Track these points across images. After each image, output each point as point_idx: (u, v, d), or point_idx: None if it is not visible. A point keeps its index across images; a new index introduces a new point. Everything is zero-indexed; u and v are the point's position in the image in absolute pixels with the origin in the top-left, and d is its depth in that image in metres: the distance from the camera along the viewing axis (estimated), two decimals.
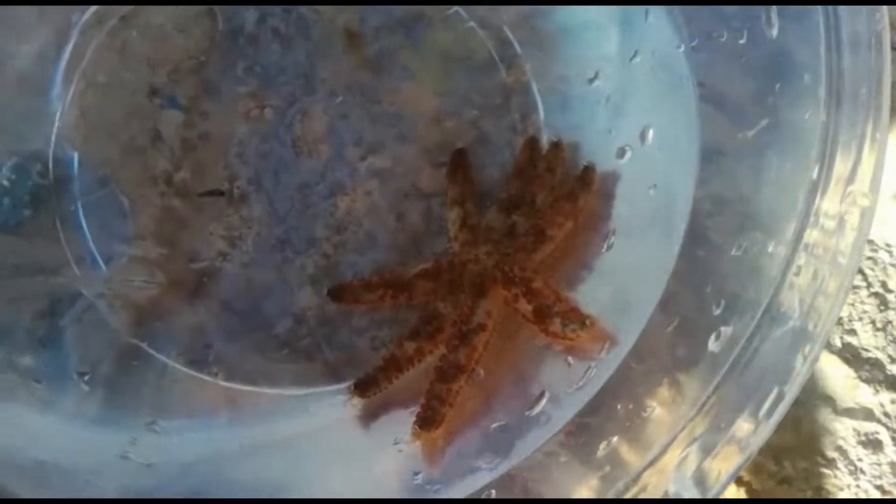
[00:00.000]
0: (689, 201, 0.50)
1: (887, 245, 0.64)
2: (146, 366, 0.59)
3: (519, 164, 0.60)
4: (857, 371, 0.62)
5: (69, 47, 0.61)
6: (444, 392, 0.51)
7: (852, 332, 0.63)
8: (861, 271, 0.64)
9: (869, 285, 0.64)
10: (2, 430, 0.52)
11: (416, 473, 0.50)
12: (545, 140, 0.61)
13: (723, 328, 0.42)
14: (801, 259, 0.40)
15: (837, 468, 0.60)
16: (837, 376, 0.62)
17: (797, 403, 0.60)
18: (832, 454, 0.61)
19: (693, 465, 0.38)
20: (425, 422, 0.50)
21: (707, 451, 0.38)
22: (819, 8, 0.44)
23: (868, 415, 0.61)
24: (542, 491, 0.46)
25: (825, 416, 0.61)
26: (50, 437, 0.54)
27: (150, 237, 0.61)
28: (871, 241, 0.64)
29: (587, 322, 0.50)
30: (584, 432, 0.46)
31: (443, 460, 0.50)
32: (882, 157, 0.41)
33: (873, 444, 0.61)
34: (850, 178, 0.41)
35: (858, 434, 0.61)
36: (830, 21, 0.44)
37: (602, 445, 0.43)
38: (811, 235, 0.41)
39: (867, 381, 0.62)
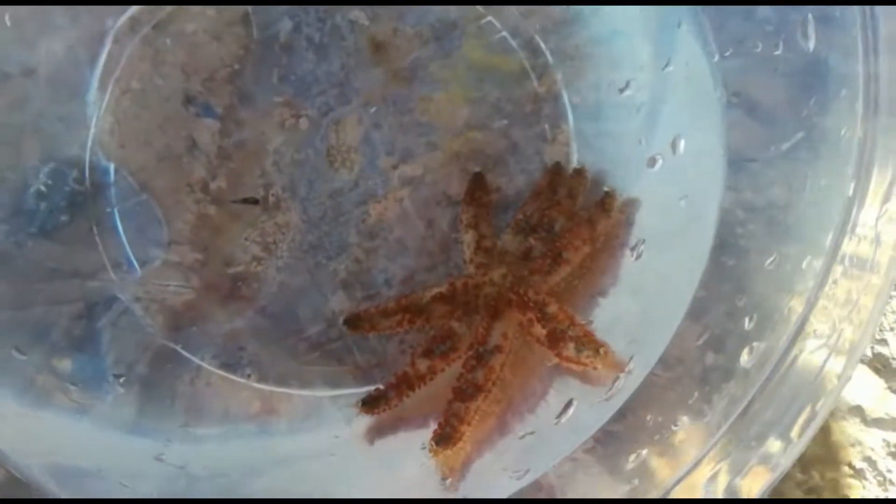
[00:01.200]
0: (717, 210, 0.50)
1: None
2: (180, 368, 0.60)
3: (539, 188, 0.60)
4: (887, 381, 0.62)
5: (104, 54, 0.62)
6: (462, 411, 0.51)
7: (883, 342, 0.63)
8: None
9: None
10: (40, 434, 0.53)
11: (445, 479, 0.50)
12: (572, 164, 0.61)
13: (755, 343, 0.42)
14: (835, 275, 0.41)
15: (866, 479, 0.60)
16: (867, 386, 0.62)
17: None
18: (860, 465, 0.61)
19: (724, 484, 0.38)
20: (443, 439, 0.51)
21: (737, 469, 0.38)
22: (857, 22, 0.44)
23: None
24: (567, 491, 0.46)
25: (854, 426, 0.61)
26: (85, 439, 0.55)
27: (185, 243, 0.62)
28: None
29: (601, 350, 0.50)
30: (612, 442, 0.46)
31: (460, 477, 0.50)
32: None
33: None
34: (887, 196, 0.40)
35: (888, 445, 0.61)
36: (868, 36, 0.44)
37: (632, 458, 0.43)
38: (846, 252, 0.41)
39: None
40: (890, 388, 0.62)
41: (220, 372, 0.60)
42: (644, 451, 0.43)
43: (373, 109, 0.63)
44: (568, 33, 0.63)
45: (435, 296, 0.57)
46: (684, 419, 0.42)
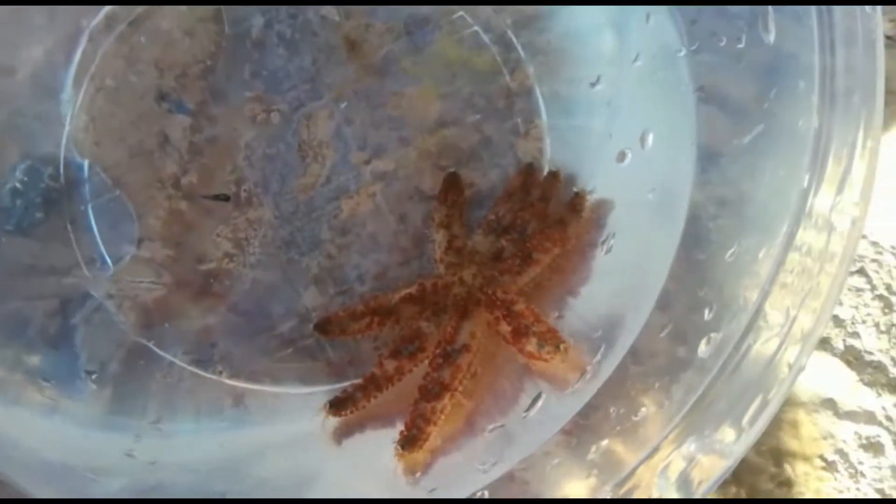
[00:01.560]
0: (686, 204, 0.50)
1: (892, 248, 0.64)
2: (153, 365, 0.60)
3: (511, 188, 0.60)
4: (859, 374, 0.62)
5: (79, 52, 0.62)
6: (428, 411, 0.51)
7: (855, 334, 0.63)
8: (865, 274, 0.64)
9: (873, 288, 0.64)
10: (11, 429, 0.53)
11: (410, 478, 0.51)
12: (545, 158, 0.61)
13: (713, 333, 0.42)
14: (790, 265, 0.41)
15: (838, 471, 0.60)
16: (840, 379, 0.62)
17: (798, 406, 0.60)
18: (833, 457, 0.61)
19: (676, 472, 0.38)
20: (409, 441, 0.51)
21: (690, 458, 0.38)
22: (813, 11, 0.44)
23: (870, 418, 0.61)
24: (538, 488, 0.46)
25: (826, 419, 0.61)
26: (57, 435, 0.55)
27: (157, 239, 0.62)
28: (875, 244, 0.64)
29: (562, 346, 0.50)
30: (579, 433, 0.47)
31: (423, 478, 0.50)
32: (873, 165, 0.41)
33: (875, 448, 0.61)
34: (841, 187, 0.41)
35: (860, 437, 0.61)
36: (825, 26, 0.44)
37: (593, 448, 0.43)
38: (801, 242, 0.41)
39: (870, 384, 0.62)
40: (862, 380, 0.62)
41: (192, 368, 0.60)
42: (605, 442, 0.43)
43: (344, 104, 0.63)
44: (540, 28, 0.63)
45: (404, 297, 0.57)
46: (644, 410, 0.42)
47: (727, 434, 0.38)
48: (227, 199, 0.62)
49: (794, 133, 0.44)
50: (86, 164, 0.62)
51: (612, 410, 0.46)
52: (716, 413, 0.39)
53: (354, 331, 0.57)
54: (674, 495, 0.37)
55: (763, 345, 0.40)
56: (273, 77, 0.63)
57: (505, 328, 0.53)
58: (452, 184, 0.61)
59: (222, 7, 0.63)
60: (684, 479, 0.38)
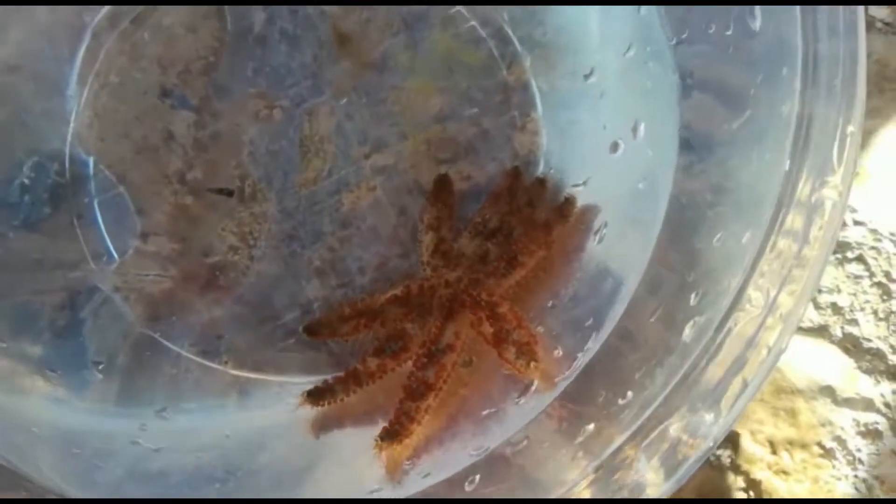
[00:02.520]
0: (669, 191, 0.51)
1: (891, 234, 0.64)
2: (159, 356, 0.61)
3: (499, 191, 0.61)
4: (857, 361, 0.62)
5: (83, 49, 0.63)
6: (412, 409, 0.52)
7: (854, 321, 0.63)
8: (864, 261, 0.64)
9: (872, 275, 0.64)
10: (18, 418, 0.55)
11: (408, 459, 0.52)
12: (541, 151, 0.62)
13: (697, 317, 0.43)
14: (772, 248, 0.41)
15: (836, 458, 0.61)
16: (837, 367, 0.62)
17: (796, 393, 0.61)
18: (830, 444, 0.61)
19: (657, 452, 0.39)
20: (390, 435, 0.52)
21: (670, 438, 0.39)
22: None
23: (868, 405, 0.62)
24: (529, 471, 0.47)
25: (824, 406, 0.62)
26: (63, 424, 0.56)
27: (163, 233, 0.63)
28: (874, 231, 0.65)
29: (531, 364, 0.51)
30: (569, 418, 0.47)
31: (403, 474, 0.51)
32: (855, 150, 0.41)
33: (872, 434, 0.61)
34: (822, 171, 0.41)
35: (858, 424, 0.61)
36: (808, 11, 0.44)
37: (581, 432, 0.44)
38: (784, 226, 0.41)
39: (868, 371, 0.62)
40: (860, 367, 0.62)
41: (198, 359, 0.61)
42: (591, 426, 0.44)
43: (344, 100, 0.64)
44: (536, 22, 0.64)
45: (390, 298, 0.57)
46: (630, 393, 0.43)
47: (707, 415, 0.39)
48: (230, 194, 0.63)
49: (779, 119, 0.44)
50: (91, 160, 0.63)
51: (600, 395, 0.46)
52: (696, 395, 0.40)
53: (342, 333, 0.58)
54: (653, 475, 0.38)
55: (744, 327, 0.40)
56: (275, 73, 0.64)
57: (487, 330, 0.53)
58: (443, 186, 0.61)
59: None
60: (664, 459, 0.39)
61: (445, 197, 0.61)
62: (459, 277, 0.56)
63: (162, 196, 0.63)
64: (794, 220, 0.41)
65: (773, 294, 0.40)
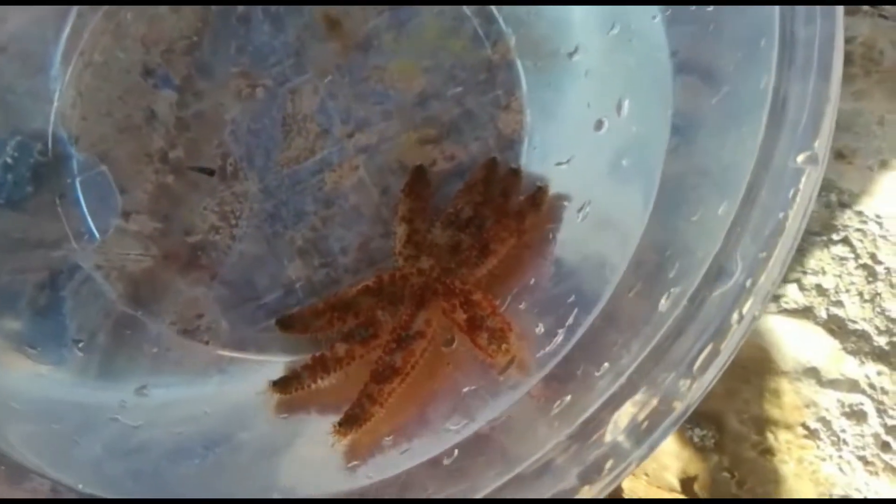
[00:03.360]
0: (660, 168, 0.50)
1: (877, 216, 0.64)
2: (140, 334, 0.61)
3: (472, 181, 0.60)
4: (842, 343, 0.62)
5: (67, 29, 0.63)
6: (376, 392, 0.52)
7: (839, 303, 0.63)
8: (849, 243, 0.64)
9: (857, 257, 0.63)
10: None
11: (387, 436, 0.51)
12: (525, 129, 0.62)
13: (673, 289, 0.43)
14: (747, 221, 0.41)
15: (820, 439, 0.60)
16: (823, 348, 0.62)
17: (781, 374, 0.60)
18: (815, 425, 0.61)
19: (627, 418, 0.38)
20: (350, 419, 0.51)
21: (641, 404, 0.39)
22: None
23: (853, 386, 0.61)
24: (504, 440, 0.47)
25: (809, 387, 0.61)
26: (43, 401, 0.56)
27: (145, 212, 0.63)
28: (860, 213, 0.64)
29: (505, 348, 0.51)
30: (548, 393, 0.47)
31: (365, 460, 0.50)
32: (831, 122, 0.41)
33: (857, 415, 0.61)
34: (798, 144, 0.41)
35: (843, 405, 0.61)
36: None
37: (557, 403, 0.44)
38: (757, 199, 0.41)
39: (853, 352, 0.62)
40: (845, 349, 0.62)
41: (179, 338, 0.61)
42: (568, 398, 0.44)
43: (328, 79, 0.64)
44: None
45: (361, 289, 0.57)
46: (606, 365, 0.43)
47: (679, 382, 0.39)
48: (211, 173, 0.63)
49: (756, 93, 0.44)
50: (74, 138, 0.63)
51: (579, 369, 0.46)
52: (669, 362, 0.39)
53: (316, 327, 0.58)
54: (624, 441, 0.38)
55: (717, 297, 0.40)
56: (258, 53, 0.64)
57: (461, 317, 0.53)
58: (419, 178, 0.61)
59: None
60: (634, 425, 0.38)
61: (420, 189, 0.60)
62: (432, 266, 0.56)
63: (144, 175, 0.63)
64: (768, 192, 0.41)
65: (745, 264, 0.39)
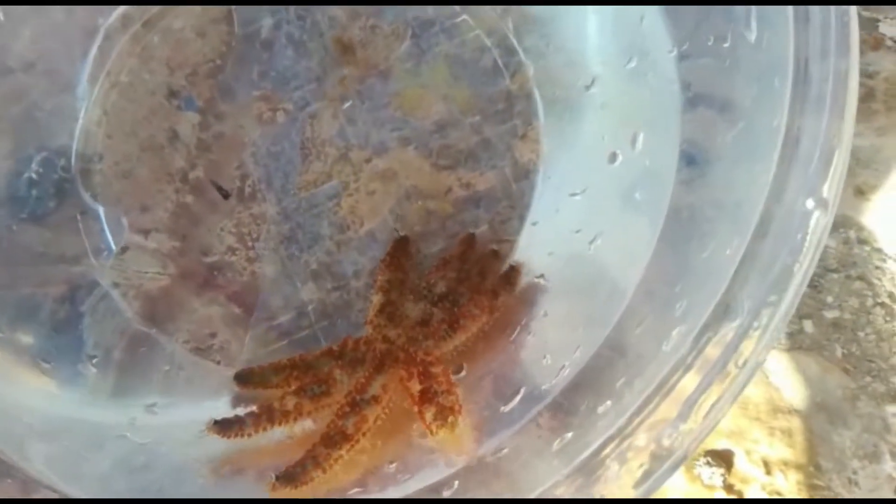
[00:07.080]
0: (667, 202, 0.50)
1: None
2: (154, 352, 0.62)
3: (450, 256, 0.61)
4: (857, 382, 0.61)
5: (94, 49, 0.65)
6: (322, 456, 0.51)
7: (855, 341, 0.62)
8: (867, 280, 0.63)
9: (875, 295, 0.63)
10: (10, 407, 0.55)
11: (391, 463, 0.51)
12: (540, 156, 0.62)
13: (680, 327, 0.42)
14: (754, 261, 0.41)
15: (832, 480, 0.60)
16: (837, 387, 0.61)
17: (792, 412, 0.60)
18: (827, 465, 0.60)
19: (628, 460, 0.38)
20: (289, 477, 0.50)
21: (642, 447, 0.38)
22: (790, 10, 0.44)
23: (867, 427, 0.60)
24: (510, 476, 0.47)
25: (822, 427, 0.61)
26: (55, 416, 0.57)
27: (164, 231, 0.64)
28: (879, 251, 0.64)
29: (450, 420, 0.50)
30: (548, 425, 0.47)
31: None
32: (843, 165, 0.41)
33: (870, 457, 0.60)
34: (809, 184, 0.41)
35: (856, 446, 0.60)
36: (801, 25, 0.44)
37: (556, 442, 0.43)
38: (766, 238, 0.41)
39: (868, 392, 0.61)
40: (859, 388, 0.61)
41: (192, 357, 0.62)
42: (570, 434, 0.43)
43: (347, 104, 0.64)
44: (541, 32, 0.64)
45: (325, 351, 0.57)
46: (608, 403, 0.43)
47: (680, 425, 0.38)
48: (227, 195, 0.64)
49: (770, 130, 0.44)
50: (97, 156, 0.64)
51: (583, 404, 0.46)
52: (670, 404, 0.39)
53: (274, 383, 0.57)
54: (624, 483, 0.38)
55: (722, 338, 0.40)
56: (280, 77, 0.65)
57: (416, 387, 0.52)
58: (401, 249, 0.61)
59: (233, 8, 0.65)
60: (633, 468, 0.38)
61: (401, 261, 0.60)
62: (399, 334, 0.56)
63: (164, 194, 0.64)
64: (777, 232, 0.41)
65: (752, 305, 0.39)
